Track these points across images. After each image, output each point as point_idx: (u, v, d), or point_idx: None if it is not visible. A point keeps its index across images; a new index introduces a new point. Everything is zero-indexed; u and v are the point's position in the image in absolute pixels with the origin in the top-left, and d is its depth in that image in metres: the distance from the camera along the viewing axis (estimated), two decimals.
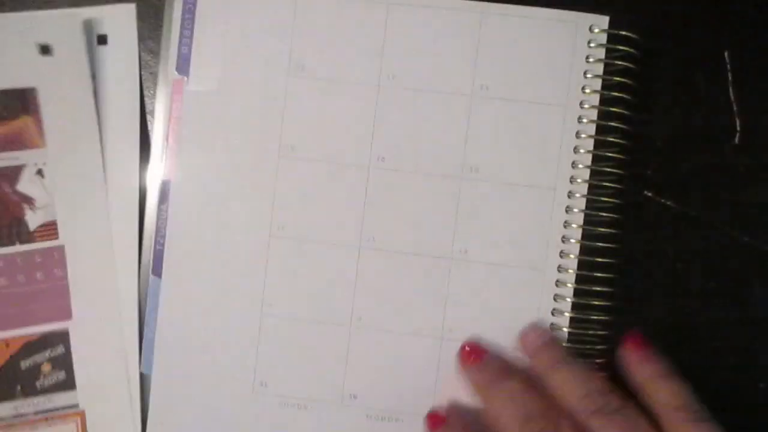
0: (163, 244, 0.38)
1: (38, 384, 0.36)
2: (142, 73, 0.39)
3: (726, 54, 0.38)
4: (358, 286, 0.38)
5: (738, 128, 0.38)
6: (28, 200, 0.37)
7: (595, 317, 0.37)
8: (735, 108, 0.38)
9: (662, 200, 0.38)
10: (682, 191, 0.39)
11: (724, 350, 0.39)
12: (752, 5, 0.39)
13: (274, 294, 0.38)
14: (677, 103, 0.39)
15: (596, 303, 0.37)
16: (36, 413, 0.36)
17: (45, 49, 0.36)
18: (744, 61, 0.38)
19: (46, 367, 0.36)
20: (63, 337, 0.36)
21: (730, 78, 0.38)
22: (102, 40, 0.38)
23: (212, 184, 0.38)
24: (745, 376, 0.39)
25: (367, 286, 0.38)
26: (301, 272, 0.38)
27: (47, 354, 0.36)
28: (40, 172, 0.37)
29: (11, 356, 0.36)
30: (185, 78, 0.38)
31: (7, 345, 0.36)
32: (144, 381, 0.38)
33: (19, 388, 0.36)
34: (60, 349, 0.36)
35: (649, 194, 0.38)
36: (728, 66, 0.38)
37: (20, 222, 0.37)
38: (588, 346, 0.37)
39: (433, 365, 0.38)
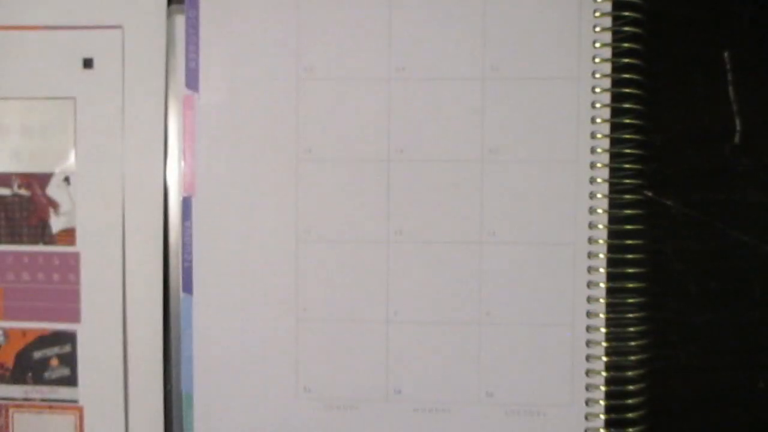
0: (190, 261, 0.38)
1: (46, 375, 0.39)
2: None
3: (726, 54, 0.38)
4: (390, 281, 0.38)
5: (738, 128, 0.38)
6: (54, 204, 0.39)
7: (631, 285, 0.37)
8: (735, 108, 0.38)
9: (662, 200, 0.38)
10: (682, 191, 0.38)
11: (724, 350, 0.39)
12: (752, 5, 0.38)
13: (308, 298, 0.38)
14: (677, 103, 0.38)
15: (630, 271, 0.37)
16: (42, 400, 0.39)
17: (87, 63, 0.38)
18: (744, 61, 0.38)
19: (54, 362, 0.39)
20: (71, 337, 0.39)
21: (730, 78, 0.38)
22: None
23: (234, 196, 0.38)
24: (744, 376, 0.39)
25: (399, 279, 0.38)
26: (332, 273, 0.38)
27: (56, 350, 0.39)
28: (67, 180, 0.39)
29: (26, 345, 0.39)
30: (195, 93, 0.38)
31: (24, 335, 0.39)
32: (182, 399, 0.38)
33: (30, 374, 0.39)
34: (67, 348, 0.39)
35: (649, 194, 0.38)
36: (728, 66, 0.38)
37: (45, 224, 0.39)
38: (629, 315, 0.37)
39: (474, 351, 0.37)
